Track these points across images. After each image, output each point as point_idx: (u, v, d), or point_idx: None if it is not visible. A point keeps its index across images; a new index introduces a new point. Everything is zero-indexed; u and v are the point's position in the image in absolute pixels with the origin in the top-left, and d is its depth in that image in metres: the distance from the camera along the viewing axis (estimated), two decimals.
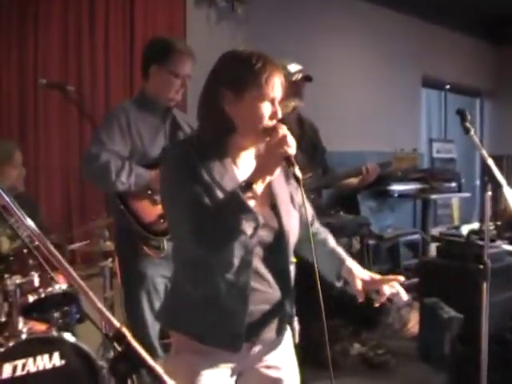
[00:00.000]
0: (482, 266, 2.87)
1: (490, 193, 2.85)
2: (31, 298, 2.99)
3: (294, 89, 4.05)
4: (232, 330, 1.80)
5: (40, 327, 2.97)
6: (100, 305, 1.19)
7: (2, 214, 3.42)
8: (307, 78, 4.10)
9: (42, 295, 3.03)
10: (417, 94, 8.36)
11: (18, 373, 2.68)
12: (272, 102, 1.80)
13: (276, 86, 1.79)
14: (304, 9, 6.31)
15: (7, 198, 1.23)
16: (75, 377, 2.84)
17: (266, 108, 1.78)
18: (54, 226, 4.00)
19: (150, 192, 2.93)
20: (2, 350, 2.62)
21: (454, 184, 7.40)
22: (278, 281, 1.89)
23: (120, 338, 1.16)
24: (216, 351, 1.82)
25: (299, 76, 4.06)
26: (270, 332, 1.92)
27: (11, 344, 2.66)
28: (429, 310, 4.52)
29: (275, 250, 1.86)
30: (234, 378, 1.92)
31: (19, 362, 2.68)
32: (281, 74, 1.81)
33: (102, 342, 3.49)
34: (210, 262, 1.76)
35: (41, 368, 2.74)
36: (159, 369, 1.15)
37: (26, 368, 2.70)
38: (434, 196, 7.15)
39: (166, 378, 1.15)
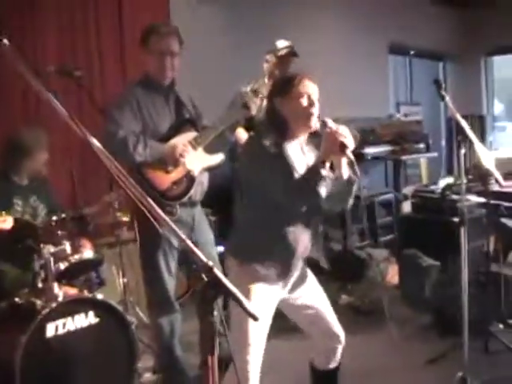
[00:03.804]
0: (459, 216, 3.31)
1: (463, 150, 3.24)
2: (62, 266, 3.33)
3: (280, 63, 4.49)
4: (290, 261, 2.57)
5: (72, 291, 3.30)
6: (190, 243, 1.53)
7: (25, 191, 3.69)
8: (292, 54, 4.50)
9: (73, 261, 3.36)
10: (384, 61, 8.75)
11: (60, 331, 3.02)
12: (307, 96, 2.53)
13: (306, 86, 2.55)
14: None
15: (115, 163, 1.54)
16: (109, 332, 3.19)
17: (304, 99, 2.52)
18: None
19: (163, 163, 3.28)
20: (47, 310, 2.94)
21: (422, 145, 7.78)
22: (312, 234, 2.63)
23: (207, 270, 1.51)
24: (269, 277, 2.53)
25: (284, 52, 4.47)
26: (302, 273, 2.73)
27: (54, 305, 2.98)
28: (408, 260, 4.99)
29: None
30: (278, 297, 2.61)
31: (60, 322, 3.02)
32: (309, 79, 2.58)
33: (119, 302, 3.84)
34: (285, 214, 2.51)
35: (78, 326, 3.08)
36: (239, 294, 1.51)
37: (67, 327, 3.04)
38: (404, 157, 7.47)
39: (244, 299, 1.51)
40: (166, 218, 1.56)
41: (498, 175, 3.34)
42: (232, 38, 6.12)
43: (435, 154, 8.32)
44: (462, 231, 3.24)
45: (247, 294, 2.45)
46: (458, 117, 3.20)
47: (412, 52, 9.30)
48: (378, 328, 4.42)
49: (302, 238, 2.58)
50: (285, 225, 2.52)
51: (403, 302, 4.92)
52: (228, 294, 1.52)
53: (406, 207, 6.63)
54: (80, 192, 4.80)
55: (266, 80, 4.54)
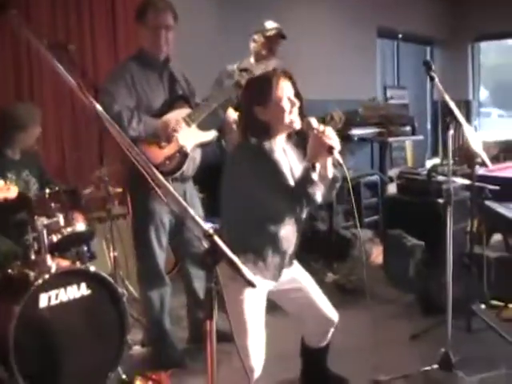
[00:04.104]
0: (445, 196, 3.37)
1: (452, 131, 3.29)
2: (55, 238, 3.36)
3: (268, 44, 4.55)
4: (281, 263, 2.67)
5: (65, 263, 3.33)
6: (191, 211, 1.57)
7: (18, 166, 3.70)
8: (281, 36, 4.55)
9: (65, 234, 3.39)
10: (373, 45, 8.81)
11: (53, 302, 3.05)
12: (287, 98, 2.54)
13: (285, 88, 2.55)
14: None
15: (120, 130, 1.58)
16: (100, 304, 3.23)
17: (285, 103, 2.53)
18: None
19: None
20: (40, 281, 2.97)
21: (408, 128, 7.83)
22: (297, 228, 2.69)
23: (207, 237, 1.55)
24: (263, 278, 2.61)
25: (272, 32, 4.53)
26: (290, 262, 2.78)
27: (47, 276, 3.01)
28: (393, 239, 5.07)
29: None
30: (267, 289, 2.68)
31: (53, 293, 3.05)
32: (283, 77, 2.57)
33: (110, 274, 3.87)
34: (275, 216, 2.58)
35: (71, 297, 3.12)
36: (237, 261, 1.56)
37: (59, 298, 3.07)
38: (390, 139, 7.51)
39: (242, 266, 1.56)
40: (169, 186, 1.61)
41: (485, 157, 3.40)
42: (221, 22, 6.18)
43: (421, 137, 8.40)
44: (448, 211, 3.30)
45: (240, 287, 2.48)
46: (447, 97, 3.24)
47: (400, 36, 9.33)
48: (362, 305, 4.49)
49: (291, 238, 2.67)
50: (276, 228, 2.58)
51: (387, 281, 5.01)
52: (227, 261, 1.57)
53: (391, 189, 6.71)
54: (71, 167, 4.83)
55: (252, 60, 4.59)
